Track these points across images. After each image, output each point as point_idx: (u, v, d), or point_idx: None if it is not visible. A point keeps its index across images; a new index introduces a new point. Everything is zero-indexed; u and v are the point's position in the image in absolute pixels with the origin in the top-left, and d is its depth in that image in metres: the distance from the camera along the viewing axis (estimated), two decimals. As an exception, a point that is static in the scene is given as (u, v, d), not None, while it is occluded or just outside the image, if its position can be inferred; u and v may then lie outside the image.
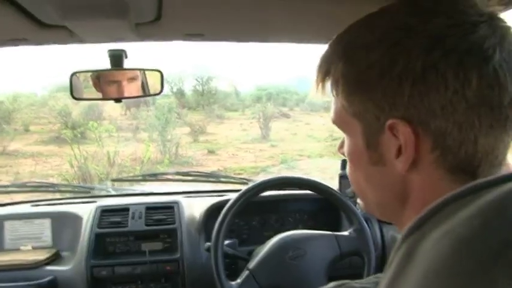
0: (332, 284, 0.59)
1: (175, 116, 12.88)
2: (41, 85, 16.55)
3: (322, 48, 0.67)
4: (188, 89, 17.67)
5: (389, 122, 0.57)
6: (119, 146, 9.24)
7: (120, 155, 8.95)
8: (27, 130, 13.53)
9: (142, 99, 13.98)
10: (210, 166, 10.06)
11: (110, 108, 15.95)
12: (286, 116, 16.09)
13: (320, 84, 0.66)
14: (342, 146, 0.71)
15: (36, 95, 16.08)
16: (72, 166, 8.39)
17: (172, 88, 17.33)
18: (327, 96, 0.67)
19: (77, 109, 13.48)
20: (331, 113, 0.67)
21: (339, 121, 0.66)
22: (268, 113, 13.87)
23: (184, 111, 14.83)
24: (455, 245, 0.26)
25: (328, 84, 0.65)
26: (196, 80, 17.56)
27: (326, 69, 0.64)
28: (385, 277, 0.31)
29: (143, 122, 13.07)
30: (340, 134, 0.70)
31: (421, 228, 0.27)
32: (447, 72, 0.53)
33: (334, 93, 0.64)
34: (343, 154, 0.70)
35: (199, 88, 17.57)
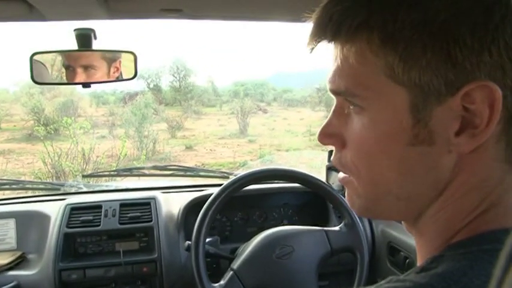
0: None
1: (152, 112, 12.73)
2: (13, 81, 16.20)
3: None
4: (165, 85, 17.54)
5: (472, 85, 0.45)
6: (94, 142, 9.03)
7: (96, 151, 8.75)
8: (-3, 127, 13.23)
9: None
10: (188, 162, 9.97)
11: (86, 104, 15.71)
12: (264, 111, 16.06)
13: (332, 40, 0.52)
14: (331, 132, 0.56)
15: (8, 92, 15.75)
16: (45, 164, 8.17)
17: (149, 84, 17.17)
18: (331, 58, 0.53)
19: (51, 106, 13.22)
20: (341, 80, 0.52)
21: (362, 90, 0.50)
22: (246, 108, 13.82)
23: (161, 107, 14.70)
24: None
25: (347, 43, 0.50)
26: (173, 75, 17.43)
27: (362, 20, 0.48)
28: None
29: (119, 118, 12.88)
30: (319, 128, 0.56)
31: None
32: None
33: (375, 51, 0.48)
34: (331, 143, 0.56)
35: (176, 84, 17.43)
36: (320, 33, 0.52)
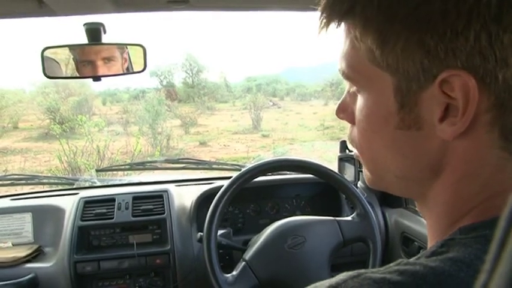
0: (345, 274, 0.46)
1: (165, 109, 12.78)
2: (29, 81, 16.38)
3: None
4: (178, 82, 17.59)
5: (445, 74, 0.44)
6: (108, 140, 9.10)
7: (110, 148, 8.82)
8: (15, 127, 13.40)
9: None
10: (202, 158, 9.95)
11: (100, 102, 15.84)
12: (277, 105, 16.03)
13: (328, 26, 0.51)
14: (344, 108, 0.59)
15: (25, 92, 15.93)
16: (61, 161, 8.25)
17: (161, 81, 17.23)
18: (333, 39, 0.54)
19: (66, 105, 13.34)
20: (341, 62, 0.54)
21: (355, 74, 0.52)
22: (259, 103, 13.80)
23: (174, 103, 14.72)
24: None
25: (341, 25, 0.52)
26: (186, 72, 17.47)
27: (349, 6, 0.49)
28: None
29: (133, 116, 12.96)
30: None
31: None
32: None
33: (359, 37, 0.49)
34: (344, 118, 0.58)
35: (189, 80, 17.47)
36: (320, 17, 0.52)
